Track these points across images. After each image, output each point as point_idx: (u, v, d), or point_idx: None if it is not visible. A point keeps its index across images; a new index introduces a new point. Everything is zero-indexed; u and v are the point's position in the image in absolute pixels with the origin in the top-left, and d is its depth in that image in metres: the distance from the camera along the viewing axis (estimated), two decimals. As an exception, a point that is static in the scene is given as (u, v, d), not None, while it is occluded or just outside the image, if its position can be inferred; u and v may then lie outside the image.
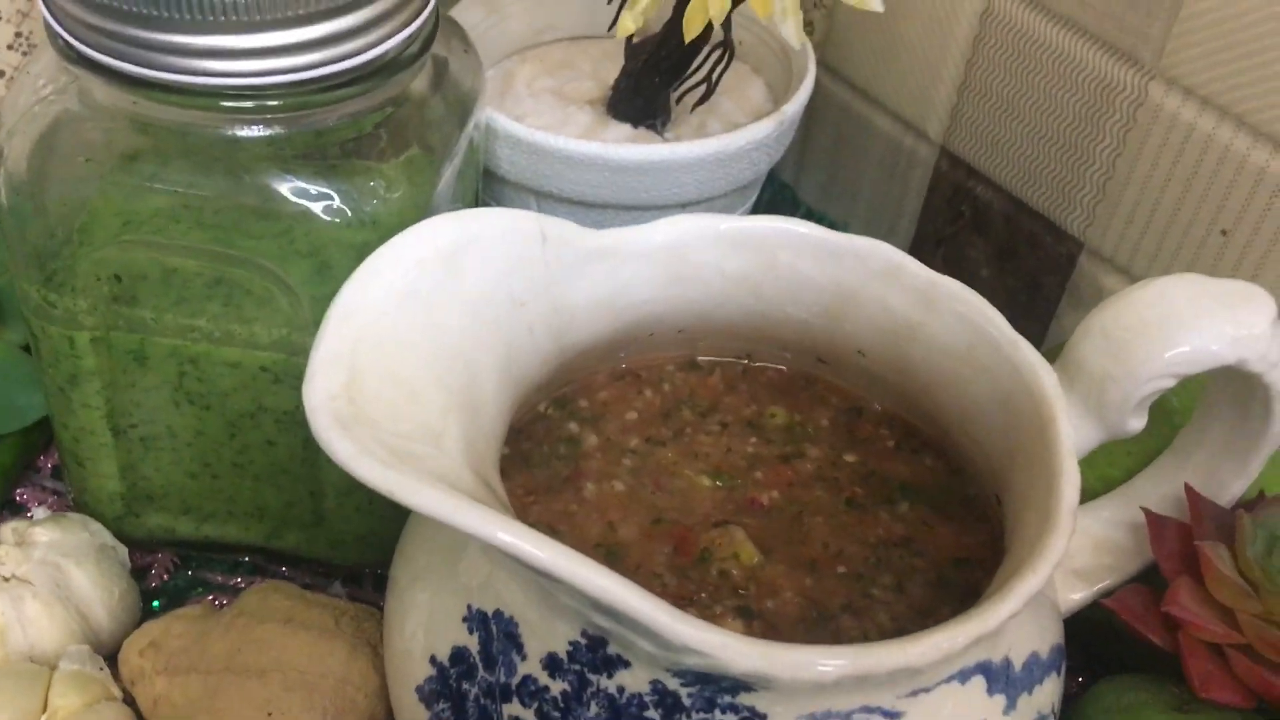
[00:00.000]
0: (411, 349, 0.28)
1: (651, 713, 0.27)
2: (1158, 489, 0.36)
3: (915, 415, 0.36)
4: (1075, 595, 0.36)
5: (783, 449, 0.36)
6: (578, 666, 0.28)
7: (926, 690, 0.28)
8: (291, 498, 0.38)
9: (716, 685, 0.26)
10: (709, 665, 0.25)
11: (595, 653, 0.27)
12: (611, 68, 0.47)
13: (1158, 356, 0.30)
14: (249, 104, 0.31)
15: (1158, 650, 0.33)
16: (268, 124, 0.32)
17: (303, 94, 0.31)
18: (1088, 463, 0.37)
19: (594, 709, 0.27)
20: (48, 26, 0.31)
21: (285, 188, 0.32)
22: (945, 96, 0.49)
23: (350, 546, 0.39)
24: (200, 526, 0.39)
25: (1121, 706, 0.32)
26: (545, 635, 0.28)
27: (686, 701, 0.27)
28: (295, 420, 0.36)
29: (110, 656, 0.36)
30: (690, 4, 0.35)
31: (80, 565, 0.36)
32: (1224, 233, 0.42)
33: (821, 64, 0.53)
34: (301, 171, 0.32)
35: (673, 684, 0.27)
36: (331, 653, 0.34)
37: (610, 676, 0.27)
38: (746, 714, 0.27)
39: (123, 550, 0.38)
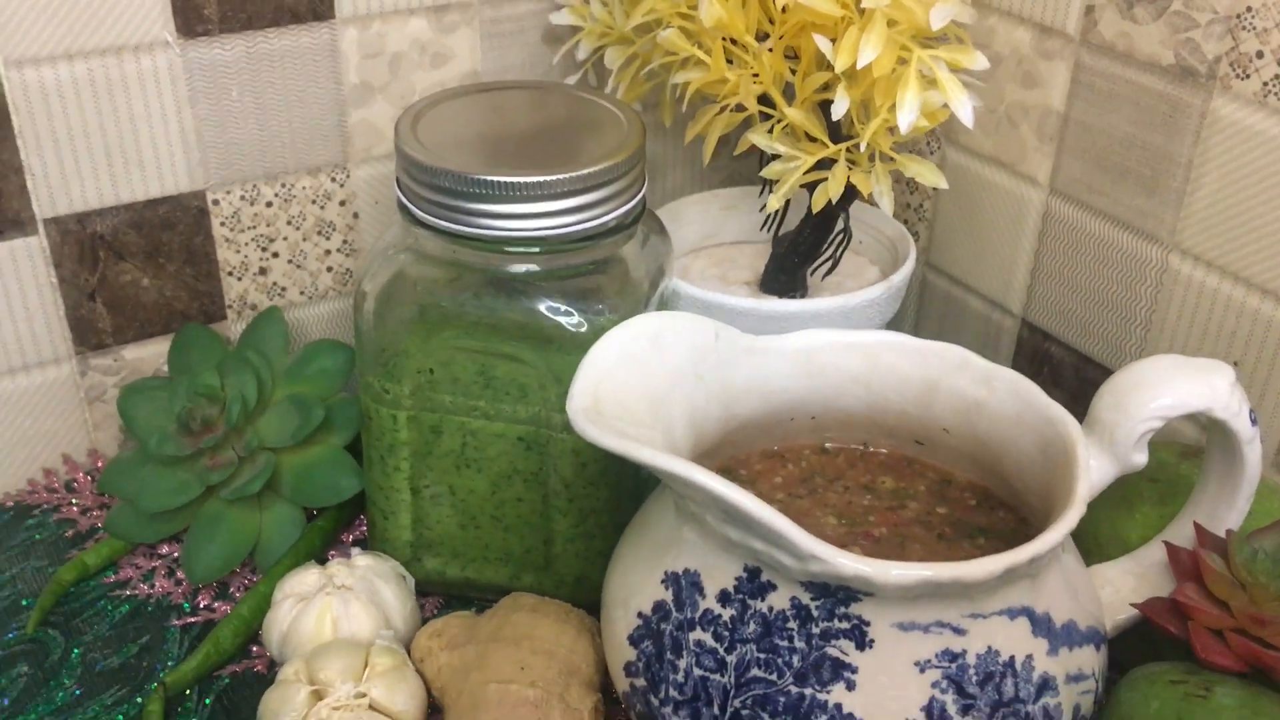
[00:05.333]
0: (630, 389, 0.43)
1: (791, 624, 0.40)
2: (1178, 534, 0.48)
3: (989, 481, 0.49)
4: (1121, 616, 0.47)
5: (890, 503, 0.49)
6: (741, 595, 0.41)
7: (983, 616, 0.40)
8: (530, 544, 0.53)
9: (834, 597, 0.39)
10: (828, 571, 0.38)
11: (753, 581, 0.40)
12: (763, 262, 0.63)
13: (1147, 404, 0.43)
14: (522, 249, 0.48)
15: (1176, 642, 0.44)
16: (533, 263, 0.48)
17: (557, 243, 0.48)
18: (1135, 526, 0.49)
19: (752, 626, 0.40)
20: (401, 206, 0.49)
21: (544, 307, 0.48)
22: (1021, 280, 0.63)
23: (570, 586, 0.53)
24: (464, 569, 0.54)
25: (1147, 675, 0.43)
26: (719, 576, 0.41)
27: (815, 613, 0.40)
28: (538, 480, 0.51)
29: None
30: (816, 190, 0.52)
31: (386, 583, 0.51)
32: (1235, 364, 0.54)
33: (926, 263, 0.69)
34: (554, 297, 0.49)
35: (805, 598, 0.40)
36: (565, 632, 0.47)
37: (763, 600, 0.40)
38: (855, 620, 0.39)
39: (411, 580, 0.53)
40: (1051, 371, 0.63)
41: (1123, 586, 0.48)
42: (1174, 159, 0.54)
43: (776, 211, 0.59)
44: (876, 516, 0.49)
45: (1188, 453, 0.52)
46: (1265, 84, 0.50)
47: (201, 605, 0.55)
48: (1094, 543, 0.51)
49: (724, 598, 0.41)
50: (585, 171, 0.47)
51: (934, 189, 0.67)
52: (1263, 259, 0.52)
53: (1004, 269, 0.64)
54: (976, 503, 0.49)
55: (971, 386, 0.48)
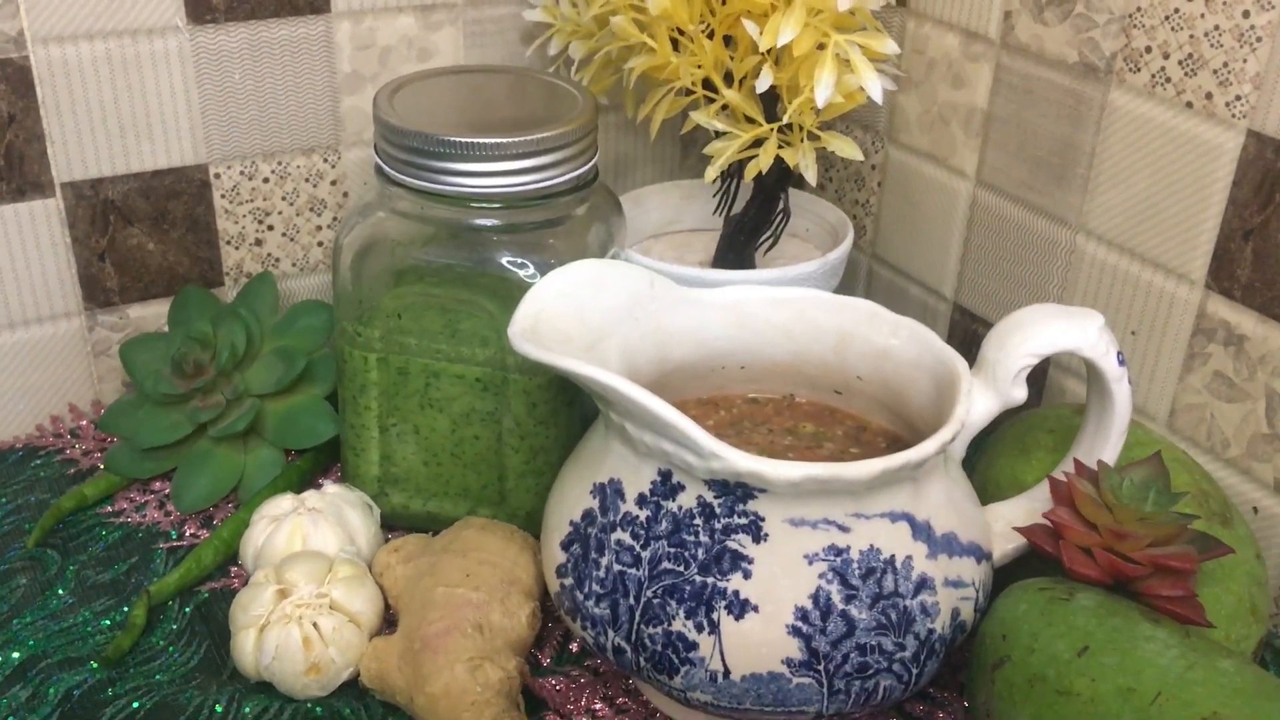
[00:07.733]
0: (567, 320, 0.49)
1: (697, 520, 0.45)
2: (1062, 472, 0.53)
3: (899, 427, 0.55)
4: (1010, 545, 0.52)
5: (809, 444, 0.55)
6: (656, 498, 0.46)
7: (866, 517, 0.45)
8: (486, 480, 0.58)
9: (734, 495, 0.44)
10: (727, 469, 0.43)
11: (666, 484, 0.46)
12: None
13: (1023, 343, 0.49)
14: (484, 205, 0.54)
15: (1052, 561, 0.49)
16: (494, 217, 0.54)
17: (515, 201, 0.54)
18: (1032, 471, 0.55)
19: (664, 524, 0.46)
20: (377, 168, 0.55)
21: (504, 260, 0.54)
22: (953, 266, 0.69)
23: (522, 520, 0.58)
24: (426, 503, 0.59)
25: (1021, 585, 0.48)
26: (637, 482, 0.46)
27: (718, 509, 0.45)
28: (494, 419, 0.57)
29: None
30: (749, 164, 0.57)
31: (353, 509, 0.56)
32: (1133, 333, 0.60)
33: (872, 255, 0.74)
34: (511, 249, 0.54)
35: (709, 496, 0.45)
36: (509, 547, 0.53)
37: (674, 500, 0.46)
38: (752, 516, 0.44)
39: (377, 510, 0.58)
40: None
41: (1015, 519, 0.53)
42: (1079, 148, 0.60)
43: (725, 192, 0.65)
44: (795, 454, 0.54)
45: (1081, 409, 0.57)
46: (1153, 76, 0.56)
47: (188, 533, 0.60)
48: (996, 487, 0.56)
49: (641, 500, 0.47)
50: (540, 135, 0.53)
51: (878, 185, 0.73)
52: (1155, 236, 0.58)
53: (938, 257, 0.70)
54: (887, 445, 0.55)
55: (880, 335, 0.53)
